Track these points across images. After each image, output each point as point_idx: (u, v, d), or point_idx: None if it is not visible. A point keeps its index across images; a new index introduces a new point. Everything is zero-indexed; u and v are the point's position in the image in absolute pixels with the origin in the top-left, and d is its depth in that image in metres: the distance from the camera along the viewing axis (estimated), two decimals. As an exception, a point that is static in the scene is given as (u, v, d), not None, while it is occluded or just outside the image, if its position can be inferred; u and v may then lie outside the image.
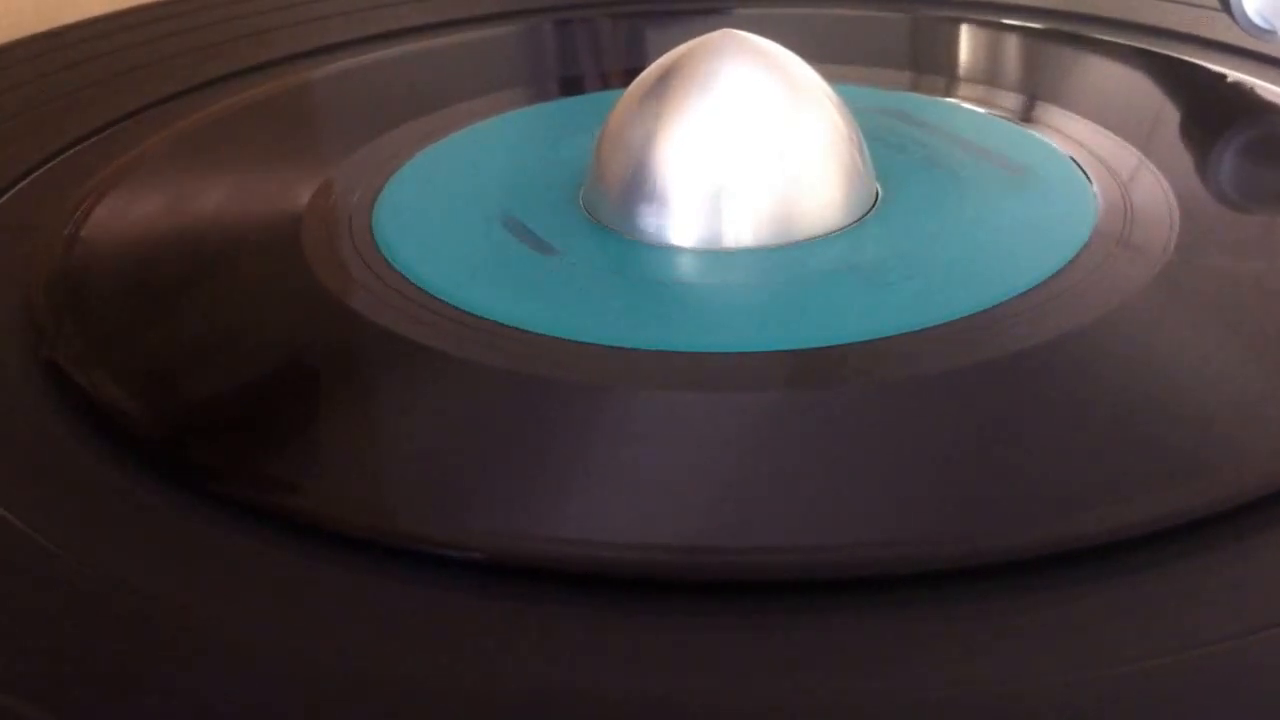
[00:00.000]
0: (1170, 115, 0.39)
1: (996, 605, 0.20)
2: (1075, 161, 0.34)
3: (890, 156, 0.34)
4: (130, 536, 0.22)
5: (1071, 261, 0.29)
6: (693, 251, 0.31)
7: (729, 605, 0.20)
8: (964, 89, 0.41)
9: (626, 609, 0.20)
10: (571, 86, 0.44)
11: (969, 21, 0.46)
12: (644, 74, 0.33)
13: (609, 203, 0.32)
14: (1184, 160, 0.35)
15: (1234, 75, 0.39)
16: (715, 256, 0.31)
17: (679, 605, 0.20)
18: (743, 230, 0.31)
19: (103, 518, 0.23)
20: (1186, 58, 0.41)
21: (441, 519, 0.22)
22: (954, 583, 0.20)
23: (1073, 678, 0.18)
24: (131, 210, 0.34)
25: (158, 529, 0.22)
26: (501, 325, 0.28)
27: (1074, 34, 0.44)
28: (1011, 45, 0.45)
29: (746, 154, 0.31)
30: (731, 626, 0.20)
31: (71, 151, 0.38)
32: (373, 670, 0.19)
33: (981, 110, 0.39)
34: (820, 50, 0.35)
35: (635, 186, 0.31)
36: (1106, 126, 0.36)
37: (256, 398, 0.26)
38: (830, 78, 0.33)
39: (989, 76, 0.43)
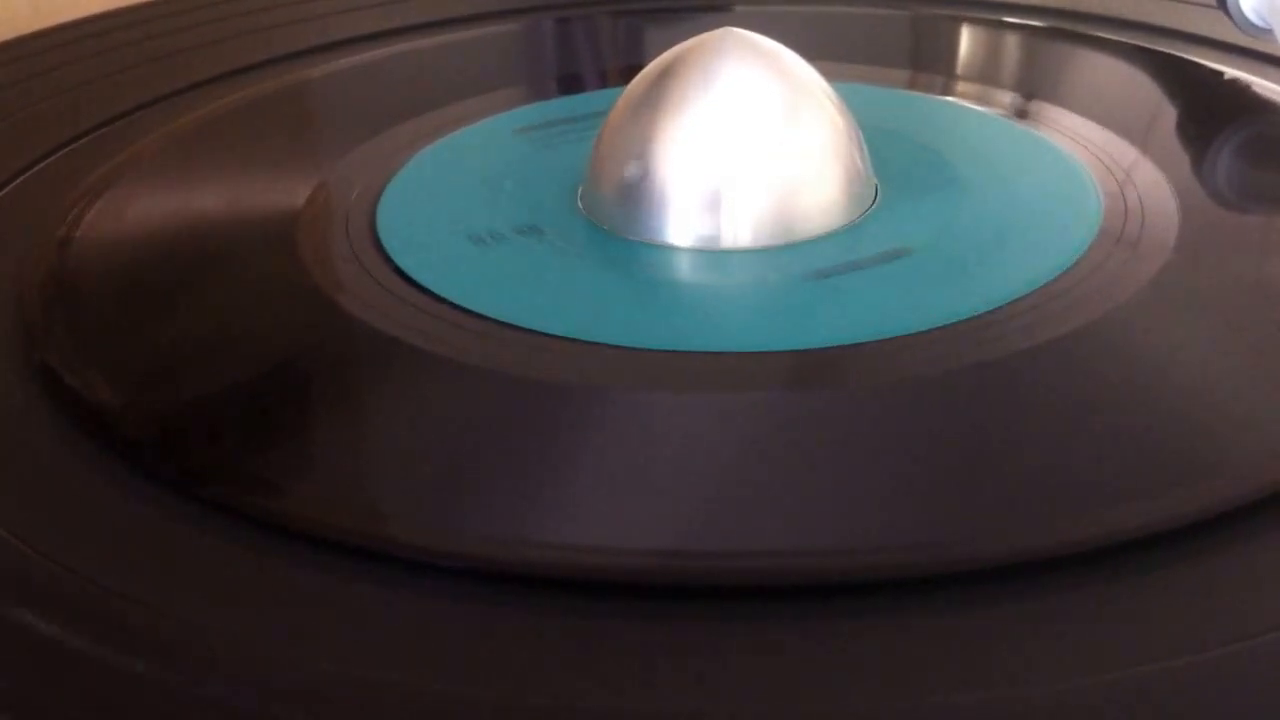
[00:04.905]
0: (1170, 114, 0.38)
1: (995, 611, 0.20)
2: (1075, 160, 0.34)
3: (891, 155, 0.34)
4: (122, 541, 0.22)
5: (1072, 261, 0.29)
6: (692, 251, 0.30)
7: (721, 612, 0.20)
8: (964, 87, 0.41)
9: (621, 616, 0.20)
10: (571, 85, 0.44)
11: (969, 20, 0.46)
12: (643, 72, 0.33)
13: (608, 202, 0.32)
14: (1184, 159, 0.35)
15: (1233, 74, 0.39)
16: (714, 256, 0.30)
17: (672, 612, 0.20)
18: (742, 230, 0.30)
19: (94, 522, 0.22)
20: (1187, 56, 0.41)
21: (440, 525, 0.22)
22: (952, 588, 0.20)
23: (1073, 685, 0.18)
24: (126, 210, 0.34)
25: (150, 533, 0.22)
26: (499, 326, 0.27)
27: (1074, 32, 0.44)
28: (1011, 43, 0.45)
29: (746, 153, 0.30)
30: (723, 634, 0.19)
31: (67, 150, 0.38)
32: (364, 677, 0.19)
33: (981, 108, 0.39)
34: (821, 48, 0.35)
35: (634, 186, 0.31)
36: (1106, 125, 0.36)
37: (253, 401, 0.26)
38: (830, 76, 0.33)
39: (989, 75, 0.43)
